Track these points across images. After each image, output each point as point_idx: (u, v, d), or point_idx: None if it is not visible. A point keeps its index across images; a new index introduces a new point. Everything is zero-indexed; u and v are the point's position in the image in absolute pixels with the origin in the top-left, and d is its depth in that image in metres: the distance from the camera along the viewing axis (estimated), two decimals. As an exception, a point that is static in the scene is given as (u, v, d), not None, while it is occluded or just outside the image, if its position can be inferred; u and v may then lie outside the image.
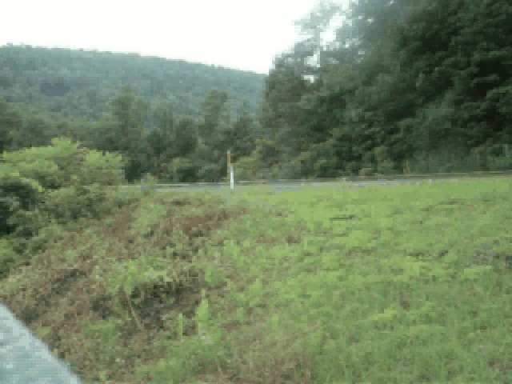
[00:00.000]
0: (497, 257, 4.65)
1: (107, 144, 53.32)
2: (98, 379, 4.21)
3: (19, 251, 10.39)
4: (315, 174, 29.79)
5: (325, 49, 42.38)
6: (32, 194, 12.14)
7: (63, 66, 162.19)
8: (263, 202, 10.35)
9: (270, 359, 3.54)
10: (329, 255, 5.76)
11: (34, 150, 15.01)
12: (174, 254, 7.65)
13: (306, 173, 30.87)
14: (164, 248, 8.05)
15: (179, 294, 5.86)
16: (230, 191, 14.10)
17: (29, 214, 11.33)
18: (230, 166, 17.80)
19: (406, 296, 4.16)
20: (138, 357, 4.58)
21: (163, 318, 5.28)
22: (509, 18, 21.96)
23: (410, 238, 5.83)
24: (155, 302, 5.73)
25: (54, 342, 5.48)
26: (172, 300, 5.72)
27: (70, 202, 12.29)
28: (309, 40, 42.42)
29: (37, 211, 11.57)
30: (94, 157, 14.78)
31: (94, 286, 6.50)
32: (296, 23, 42.33)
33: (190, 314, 5.11)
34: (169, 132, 59.79)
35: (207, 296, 5.31)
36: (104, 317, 5.69)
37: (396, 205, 8.16)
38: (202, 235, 8.60)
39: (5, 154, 15.26)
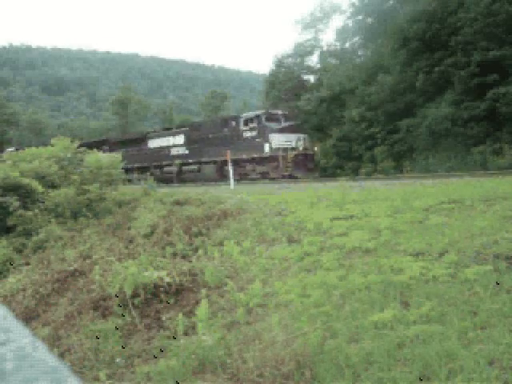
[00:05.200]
0: (497, 257, 4.65)
1: (107, 144, 53.44)
2: (97, 379, 4.21)
3: (19, 251, 10.39)
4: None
5: (325, 49, 42.38)
6: (32, 194, 12.14)
7: (63, 66, 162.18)
8: (263, 202, 10.35)
9: (270, 359, 3.54)
10: (329, 255, 5.76)
11: (33, 149, 15.02)
12: (174, 254, 7.66)
13: (305, 173, 30.83)
14: (164, 248, 8.05)
15: (179, 294, 5.86)
16: (230, 191, 14.10)
17: (29, 214, 11.32)
18: (230, 165, 17.80)
19: (406, 296, 4.16)
20: (138, 357, 4.58)
21: (163, 318, 5.28)
22: (509, 17, 21.95)
23: (409, 238, 5.83)
24: (155, 301, 5.73)
25: (54, 342, 5.48)
26: (172, 300, 5.72)
27: (69, 202, 12.28)
28: (309, 40, 42.42)
29: (37, 211, 11.56)
30: (94, 157, 14.78)
31: (93, 286, 6.50)
32: (296, 23, 42.35)
33: (189, 314, 5.11)
34: (169, 132, 59.80)
35: (207, 296, 5.31)
36: (104, 317, 5.69)
37: (396, 205, 8.15)
38: (202, 235, 8.60)
39: (5, 154, 15.27)
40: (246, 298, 4.95)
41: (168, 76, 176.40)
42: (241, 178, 21.80)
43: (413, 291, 4.20)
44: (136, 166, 28.98)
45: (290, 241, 6.99)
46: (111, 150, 32.13)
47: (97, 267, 7.09)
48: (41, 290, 7.36)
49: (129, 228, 10.42)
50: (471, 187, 9.32)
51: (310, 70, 43.34)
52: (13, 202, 11.32)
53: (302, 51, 42.44)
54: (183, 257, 7.54)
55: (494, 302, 3.67)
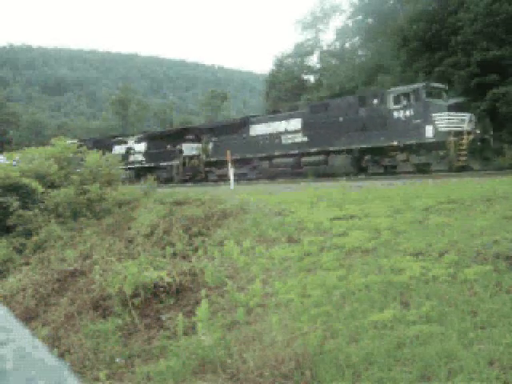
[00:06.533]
0: (497, 257, 4.65)
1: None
2: (98, 379, 4.21)
3: (19, 251, 10.39)
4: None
5: (325, 49, 42.42)
6: (32, 194, 12.14)
7: (63, 66, 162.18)
8: (263, 202, 10.35)
9: (270, 359, 3.54)
10: (329, 255, 5.76)
11: (33, 149, 15.03)
12: (174, 254, 7.65)
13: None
14: (164, 248, 8.05)
15: (179, 293, 5.87)
16: (230, 191, 14.10)
17: (29, 213, 11.32)
18: (230, 165, 17.80)
19: (406, 296, 4.16)
20: (138, 357, 4.58)
21: (163, 318, 5.28)
22: (509, 17, 21.97)
23: (409, 238, 5.83)
24: (155, 301, 5.73)
25: (54, 342, 5.48)
26: (172, 300, 5.72)
27: (70, 202, 12.28)
28: (309, 40, 42.50)
29: (37, 211, 11.56)
30: (93, 157, 14.78)
31: (93, 286, 6.50)
32: (296, 23, 42.43)
33: (189, 314, 5.11)
34: (169, 132, 59.85)
35: (207, 296, 5.31)
36: (104, 317, 5.69)
37: (396, 205, 8.15)
38: (202, 235, 8.60)
39: (5, 154, 15.29)
40: (246, 298, 4.95)
41: (168, 76, 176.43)
42: (386, 171, 17.72)
43: (413, 291, 4.20)
44: (234, 157, 23.27)
45: (290, 241, 6.99)
46: (196, 140, 26.82)
47: (97, 267, 7.09)
48: (41, 290, 7.36)
49: (129, 228, 10.42)
50: (471, 187, 9.32)
51: (310, 70, 43.40)
52: (13, 202, 11.32)
53: (302, 51, 42.51)
54: (183, 257, 7.54)
55: (494, 302, 3.67)
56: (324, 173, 19.49)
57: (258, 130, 23.18)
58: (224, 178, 23.62)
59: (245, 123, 24.09)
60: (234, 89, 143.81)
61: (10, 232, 11.27)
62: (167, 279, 5.89)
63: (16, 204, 11.32)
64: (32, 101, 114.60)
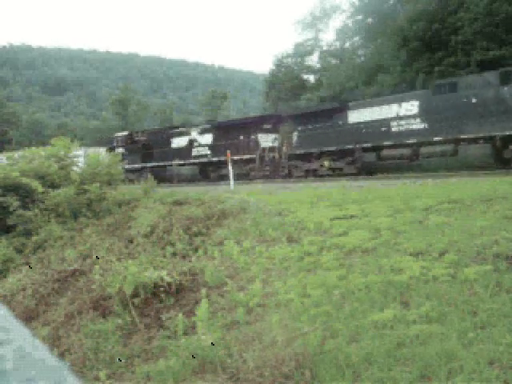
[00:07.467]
0: (497, 257, 4.65)
1: (107, 144, 53.27)
2: (98, 379, 4.21)
3: (19, 251, 10.40)
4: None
5: (325, 48, 42.45)
6: (32, 194, 12.14)
7: (63, 66, 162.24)
8: (263, 202, 10.35)
9: (270, 359, 3.54)
10: (329, 255, 5.76)
11: (33, 149, 15.03)
12: (174, 254, 7.66)
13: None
14: (164, 248, 8.05)
15: (179, 293, 5.87)
16: (230, 191, 14.10)
17: (29, 213, 11.33)
18: (230, 165, 17.78)
19: (406, 296, 4.16)
20: (138, 357, 4.58)
21: (163, 318, 5.28)
22: (509, 17, 21.99)
23: (410, 238, 5.83)
24: (155, 301, 5.73)
25: (54, 341, 5.48)
26: (172, 300, 5.72)
27: (69, 202, 12.29)
28: (309, 40, 42.54)
29: (37, 211, 11.57)
30: (94, 157, 14.79)
31: (94, 286, 6.51)
32: (296, 23, 42.47)
33: (189, 313, 5.11)
34: (169, 132, 59.78)
35: (207, 296, 5.31)
36: (104, 317, 5.69)
37: (396, 205, 8.15)
38: (201, 235, 8.60)
39: (5, 154, 15.31)
40: (246, 298, 4.95)
41: (168, 76, 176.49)
42: None
43: (413, 291, 4.20)
44: (326, 149, 20.21)
45: (290, 241, 6.99)
46: (274, 130, 23.19)
47: (97, 267, 7.09)
48: (41, 289, 7.36)
49: (129, 228, 10.42)
50: (471, 187, 9.32)
51: (310, 70, 43.44)
52: (13, 201, 11.33)
53: (302, 51, 42.55)
54: (183, 256, 7.55)
55: (494, 302, 3.67)
56: (453, 166, 16.12)
57: (358, 116, 19.40)
58: (313, 174, 20.48)
59: (341, 109, 20.23)
60: (234, 89, 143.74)
61: (9, 232, 11.28)
62: (167, 279, 5.89)
63: (16, 204, 11.32)
64: (32, 101, 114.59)
